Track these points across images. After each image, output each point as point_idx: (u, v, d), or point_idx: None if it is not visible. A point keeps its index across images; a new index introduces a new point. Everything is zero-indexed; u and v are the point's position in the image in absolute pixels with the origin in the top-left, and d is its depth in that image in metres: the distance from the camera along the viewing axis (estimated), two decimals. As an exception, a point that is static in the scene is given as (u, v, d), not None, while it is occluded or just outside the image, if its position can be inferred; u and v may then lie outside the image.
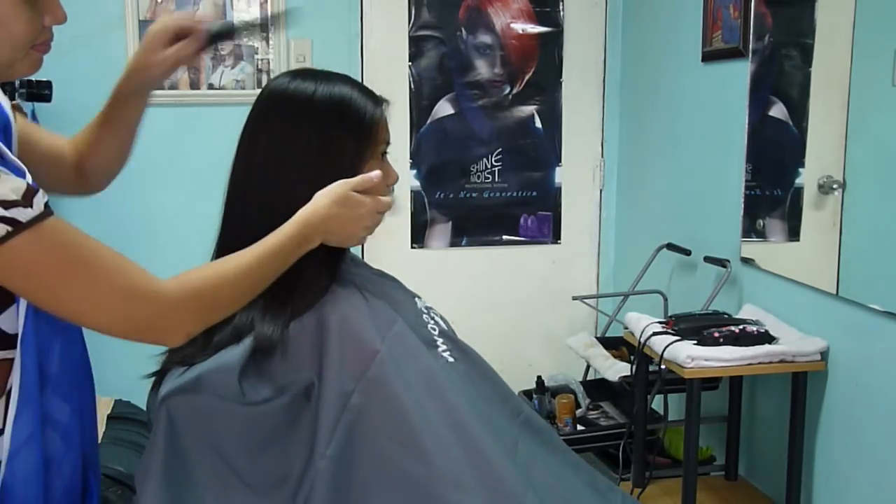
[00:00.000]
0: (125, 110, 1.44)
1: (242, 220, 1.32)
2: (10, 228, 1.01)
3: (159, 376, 1.29)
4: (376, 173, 1.28)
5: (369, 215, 1.28)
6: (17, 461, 1.15)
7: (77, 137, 1.47)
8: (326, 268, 1.31)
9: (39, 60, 1.18)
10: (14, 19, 1.10)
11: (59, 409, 1.21)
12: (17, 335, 1.14)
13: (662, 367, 2.36)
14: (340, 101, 1.32)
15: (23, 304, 1.13)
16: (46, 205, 1.05)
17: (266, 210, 1.29)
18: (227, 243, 1.32)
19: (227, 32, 1.41)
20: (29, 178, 1.07)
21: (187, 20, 1.38)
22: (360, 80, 1.41)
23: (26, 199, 1.02)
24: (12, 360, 1.14)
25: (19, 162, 1.22)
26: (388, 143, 1.38)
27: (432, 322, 1.42)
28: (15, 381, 1.14)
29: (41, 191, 1.05)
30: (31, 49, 1.15)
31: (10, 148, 1.27)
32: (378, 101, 1.36)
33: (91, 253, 1.08)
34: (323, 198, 1.25)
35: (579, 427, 2.97)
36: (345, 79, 1.36)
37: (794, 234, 2.54)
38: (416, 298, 1.47)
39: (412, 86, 3.57)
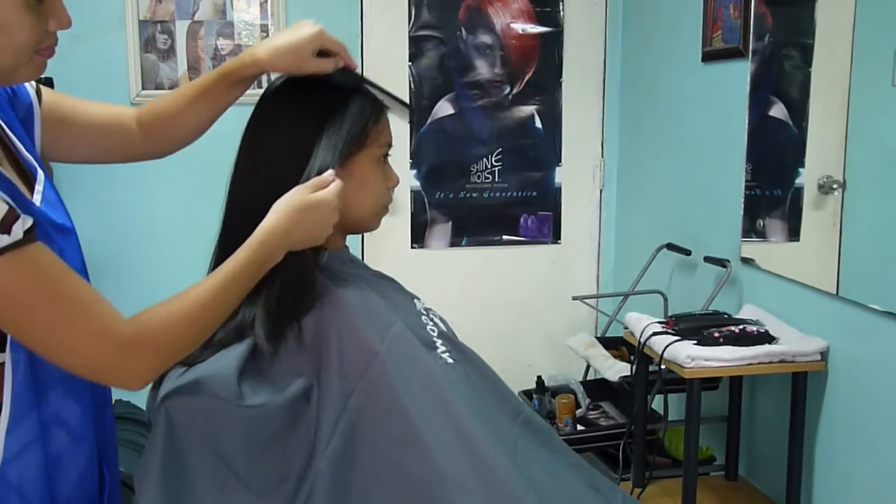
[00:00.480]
0: (231, 93, 1.41)
1: (243, 219, 1.32)
2: None
3: (159, 377, 1.29)
4: (329, 172, 1.26)
5: (332, 211, 1.26)
6: (13, 468, 1.14)
7: (157, 105, 1.45)
8: (323, 268, 1.32)
9: (43, 65, 1.17)
10: (18, 24, 1.09)
11: (70, 410, 1.21)
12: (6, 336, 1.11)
13: (662, 367, 2.36)
14: (342, 103, 1.32)
15: None
16: (28, 232, 1.02)
17: (267, 210, 1.29)
18: (226, 243, 1.32)
19: (352, 80, 1.38)
20: (11, 202, 1.03)
21: (339, 44, 1.41)
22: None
23: (4, 226, 1.00)
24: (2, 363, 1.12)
25: (31, 158, 1.23)
26: (389, 146, 1.38)
27: (431, 323, 1.42)
28: (6, 387, 1.12)
29: (23, 217, 1.02)
30: (34, 54, 1.14)
31: (31, 135, 1.27)
32: (380, 103, 1.37)
33: (62, 290, 1.06)
34: (281, 209, 1.22)
35: (579, 427, 2.97)
36: (347, 80, 1.37)
37: (794, 234, 2.54)
38: (415, 300, 1.47)
39: (412, 86, 3.57)
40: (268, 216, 1.22)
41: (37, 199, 1.20)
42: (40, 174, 1.24)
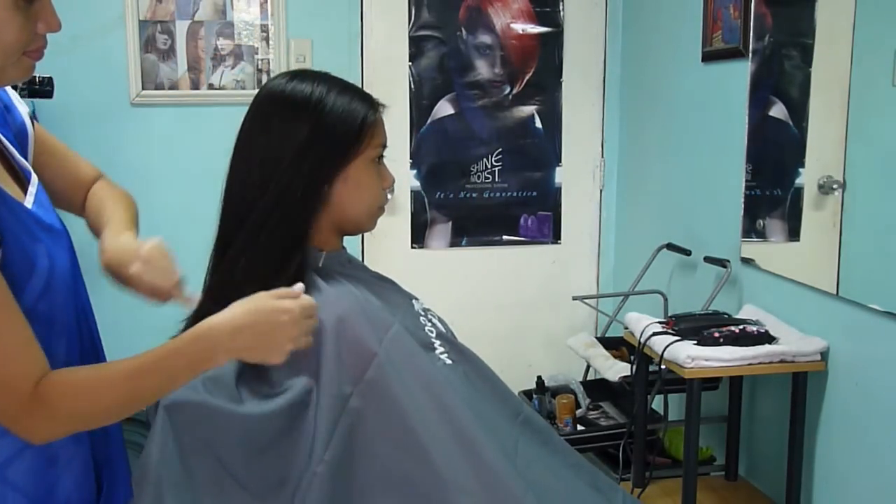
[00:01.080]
0: None
1: (239, 219, 1.32)
2: None
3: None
4: (300, 286, 1.19)
5: (293, 323, 1.15)
6: (11, 469, 1.15)
7: (91, 197, 1.44)
8: (321, 270, 1.32)
9: (31, 67, 1.17)
10: (6, 24, 1.09)
11: None
12: None
13: (662, 367, 2.36)
14: (334, 104, 1.32)
15: None
16: None
17: (262, 210, 1.30)
18: (224, 243, 1.32)
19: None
20: None
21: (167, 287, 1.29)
22: (357, 83, 1.42)
23: None
24: None
25: (25, 163, 1.23)
26: (384, 146, 1.38)
27: (429, 324, 1.42)
28: None
29: None
30: (23, 55, 1.14)
31: (25, 154, 1.28)
32: (374, 104, 1.36)
33: None
34: (235, 307, 1.15)
35: (579, 427, 2.97)
36: (341, 82, 1.37)
37: (794, 234, 2.54)
38: (414, 300, 1.47)
39: (412, 86, 3.57)
40: (222, 312, 1.14)
41: (29, 200, 1.21)
42: (34, 178, 1.24)
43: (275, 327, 1.15)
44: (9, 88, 1.29)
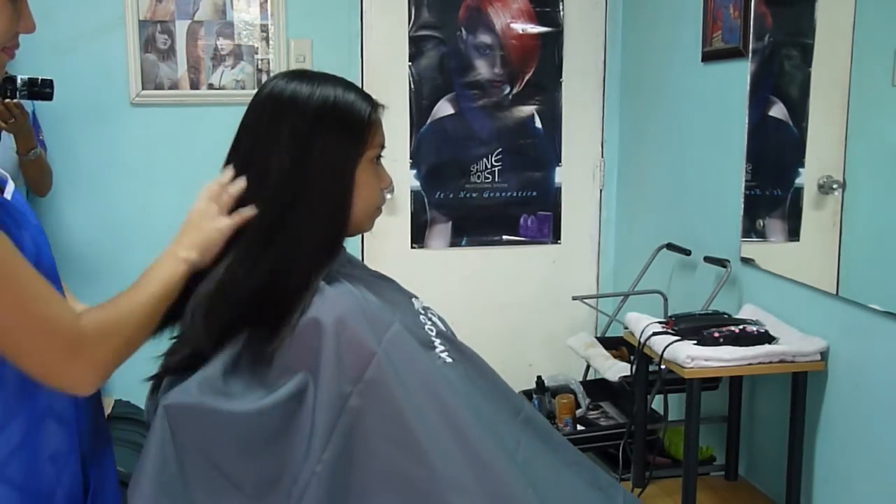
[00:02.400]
0: None
1: (277, 213, 1.31)
2: None
3: (158, 379, 1.29)
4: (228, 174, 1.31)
5: (203, 202, 1.31)
6: (11, 465, 1.14)
7: None
8: (318, 268, 1.31)
9: (3, 65, 1.18)
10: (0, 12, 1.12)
11: (62, 403, 1.20)
12: None
13: (662, 367, 2.36)
14: (336, 103, 1.32)
15: None
16: None
17: (260, 212, 1.30)
18: (261, 245, 1.32)
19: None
20: None
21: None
22: (357, 83, 1.41)
23: None
24: None
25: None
26: (382, 147, 1.38)
27: (430, 323, 1.42)
28: None
29: None
30: (2, 50, 1.16)
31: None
32: (374, 104, 1.36)
33: (15, 286, 1.04)
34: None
35: (579, 427, 2.97)
36: (341, 81, 1.36)
37: (794, 233, 2.54)
38: (414, 299, 1.47)
39: (412, 86, 3.57)
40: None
41: (8, 193, 1.22)
42: (10, 182, 1.25)
43: (192, 213, 1.31)
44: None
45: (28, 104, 2.84)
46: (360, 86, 1.42)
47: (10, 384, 1.13)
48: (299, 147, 1.29)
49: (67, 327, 1.08)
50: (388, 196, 3.50)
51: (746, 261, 2.71)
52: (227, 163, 1.35)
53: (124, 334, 1.16)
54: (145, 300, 1.20)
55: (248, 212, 1.29)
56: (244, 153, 1.34)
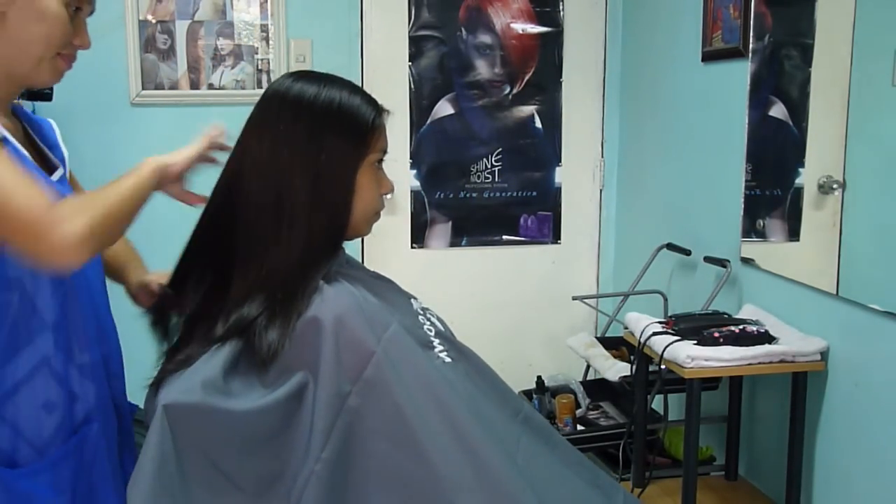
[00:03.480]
0: None
1: (273, 218, 1.32)
2: None
3: (157, 379, 1.29)
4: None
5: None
6: (18, 398, 1.25)
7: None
8: (318, 268, 1.31)
9: (61, 71, 1.32)
10: (58, 19, 1.27)
11: (57, 358, 1.30)
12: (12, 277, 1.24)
13: (662, 367, 2.36)
14: (341, 106, 1.32)
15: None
16: None
17: (266, 207, 1.30)
18: (220, 244, 1.32)
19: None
20: None
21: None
22: (357, 83, 1.42)
23: None
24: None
25: (56, 160, 1.42)
26: (385, 152, 1.38)
27: (428, 323, 1.42)
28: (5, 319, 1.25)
29: None
30: (57, 55, 1.30)
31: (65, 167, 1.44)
32: (379, 109, 1.36)
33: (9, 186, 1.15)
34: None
35: (579, 427, 2.97)
36: (347, 84, 1.37)
37: (794, 234, 2.54)
38: (412, 299, 1.47)
39: (412, 86, 3.57)
40: None
41: (55, 177, 1.36)
42: (60, 169, 1.40)
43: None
44: (57, 130, 1.47)
45: (28, 105, 2.84)
46: (360, 86, 1.42)
47: (13, 330, 1.25)
48: (303, 147, 1.30)
49: (40, 206, 1.15)
50: (388, 196, 3.52)
51: (746, 261, 2.71)
52: (231, 158, 1.36)
53: (98, 210, 1.19)
54: (115, 192, 1.26)
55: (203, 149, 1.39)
56: (247, 150, 1.34)
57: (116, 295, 1.55)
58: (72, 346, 1.32)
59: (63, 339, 1.31)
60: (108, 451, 1.38)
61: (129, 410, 1.48)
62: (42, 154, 1.39)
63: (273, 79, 1.38)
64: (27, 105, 2.84)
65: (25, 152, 1.30)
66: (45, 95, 2.67)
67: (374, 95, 1.40)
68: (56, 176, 1.37)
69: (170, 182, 1.37)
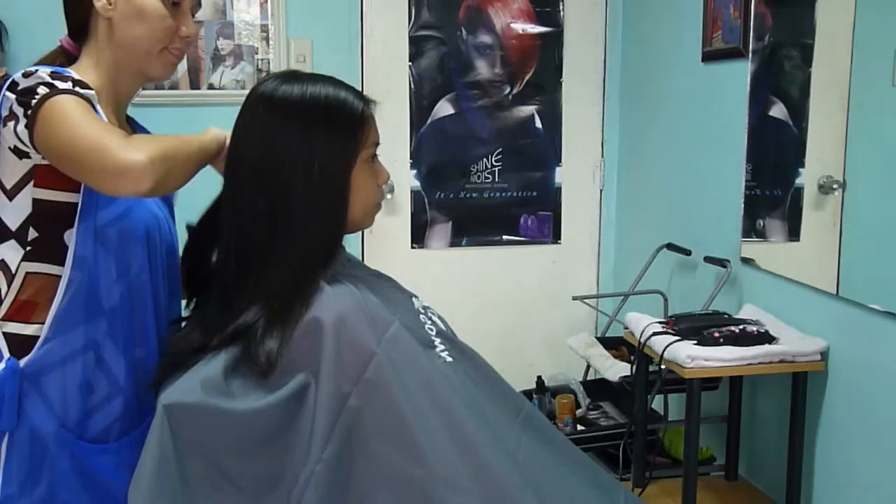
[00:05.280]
0: None
1: (237, 222, 1.32)
2: (48, 90, 1.25)
3: (157, 380, 1.29)
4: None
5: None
6: (57, 373, 1.29)
7: None
8: (318, 269, 1.31)
9: (172, 65, 1.41)
10: (154, 15, 1.35)
11: (110, 351, 1.33)
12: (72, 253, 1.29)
13: (662, 367, 2.36)
14: (327, 103, 1.32)
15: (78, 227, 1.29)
16: (71, 90, 1.27)
17: (261, 213, 1.30)
18: (250, 251, 1.32)
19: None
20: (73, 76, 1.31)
21: None
22: (357, 83, 1.42)
23: (64, 80, 1.27)
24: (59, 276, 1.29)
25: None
26: (377, 144, 1.38)
27: (430, 322, 1.42)
28: (56, 300, 1.29)
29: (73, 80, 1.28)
30: (166, 50, 1.38)
31: None
32: (366, 101, 1.36)
33: (86, 126, 1.24)
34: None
35: (579, 427, 2.97)
36: (331, 80, 1.36)
37: (794, 234, 2.54)
38: (414, 298, 1.47)
39: (412, 86, 3.57)
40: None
41: None
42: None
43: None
44: None
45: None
46: (360, 86, 1.43)
47: (70, 307, 1.29)
48: (295, 148, 1.29)
49: (113, 134, 1.24)
50: (388, 196, 3.50)
51: (746, 261, 2.71)
52: (228, 166, 1.36)
53: (163, 144, 1.26)
54: (181, 138, 1.33)
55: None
56: (240, 156, 1.34)
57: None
58: (126, 337, 1.35)
59: (116, 328, 1.34)
60: None
61: None
62: None
63: (264, 76, 1.39)
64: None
65: None
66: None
67: (373, 95, 1.40)
68: None
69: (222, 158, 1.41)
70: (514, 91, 3.65)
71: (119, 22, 1.36)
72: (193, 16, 1.44)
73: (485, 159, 3.66)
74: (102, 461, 1.34)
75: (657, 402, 2.81)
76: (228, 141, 1.37)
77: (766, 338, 2.35)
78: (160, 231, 1.41)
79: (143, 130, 1.51)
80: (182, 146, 1.31)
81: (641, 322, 2.50)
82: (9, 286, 1.31)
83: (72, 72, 1.33)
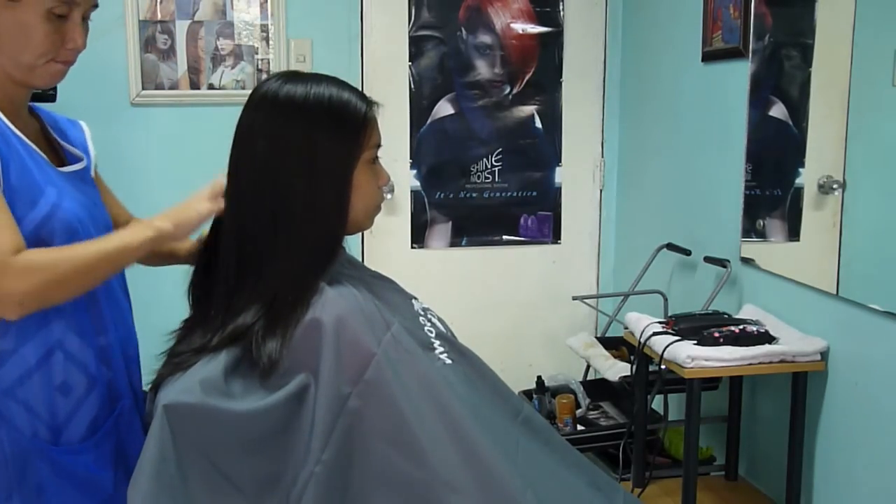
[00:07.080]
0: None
1: (237, 223, 1.32)
2: None
3: (156, 382, 1.30)
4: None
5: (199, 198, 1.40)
6: (33, 381, 1.30)
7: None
8: (318, 270, 1.31)
9: (58, 73, 1.38)
10: (33, 29, 1.32)
11: (73, 343, 1.34)
12: None
13: (662, 367, 2.36)
14: (330, 103, 1.32)
15: None
16: None
17: (262, 214, 1.30)
18: (248, 250, 1.32)
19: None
20: None
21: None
22: (357, 83, 1.42)
23: None
24: None
25: (78, 151, 1.48)
26: (378, 146, 1.38)
27: (429, 324, 1.42)
28: None
29: None
30: (52, 61, 1.35)
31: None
32: (368, 102, 1.36)
33: None
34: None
35: (579, 427, 2.97)
36: (335, 81, 1.36)
37: (794, 233, 2.54)
38: (413, 300, 1.47)
39: (412, 86, 3.57)
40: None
41: (66, 170, 1.42)
42: (81, 163, 1.47)
43: (191, 195, 1.44)
44: (87, 131, 1.58)
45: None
46: (360, 86, 1.43)
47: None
48: (298, 148, 1.30)
49: (1, 250, 1.21)
50: (388, 196, 3.50)
51: (746, 261, 2.71)
52: (230, 166, 1.36)
53: (54, 273, 1.25)
54: (94, 251, 1.30)
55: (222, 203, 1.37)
56: (241, 157, 1.34)
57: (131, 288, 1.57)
58: (87, 328, 1.37)
59: (77, 321, 1.35)
60: (140, 430, 1.43)
61: (143, 397, 1.50)
62: (58, 150, 1.45)
63: (263, 78, 1.39)
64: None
65: (34, 147, 1.36)
66: (48, 97, 2.68)
67: (373, 95, 1.40)
68: (70, 168, 1.43)
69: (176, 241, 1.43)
70: (514, 91, 3.65)
71: (3, 32, 1.33)
72: (87, 20, 1.40)
73: (485, 159, 3.66)
74: (81, 461, 1.35)
75: (657, 402, 2.81)
76: (180, 222, 1.38)
77: (766, 338, 2.35)
78: (92, 217, 1.42)
79: (50, 118, 1.50)
80: (93, 258, 1.29)
81: (641, 322, 2.50)
82: None
83: None
